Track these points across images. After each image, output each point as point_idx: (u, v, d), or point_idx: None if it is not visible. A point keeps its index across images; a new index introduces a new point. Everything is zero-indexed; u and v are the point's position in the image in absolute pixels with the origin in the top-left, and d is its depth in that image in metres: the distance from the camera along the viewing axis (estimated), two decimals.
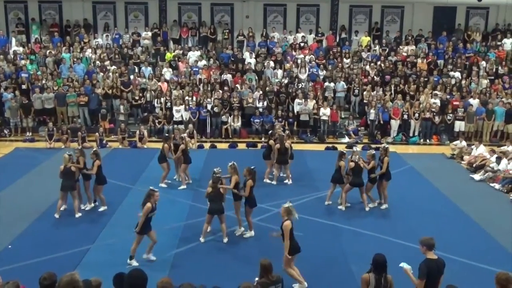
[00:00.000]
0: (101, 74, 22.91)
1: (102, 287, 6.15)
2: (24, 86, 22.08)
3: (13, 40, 25.53)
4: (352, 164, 13.01)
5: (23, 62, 23.54)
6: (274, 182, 15.27)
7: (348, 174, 13.19)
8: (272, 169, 15.57)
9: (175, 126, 17.60)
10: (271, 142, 15.46)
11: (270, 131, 17.14)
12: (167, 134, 16.25)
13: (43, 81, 22.19)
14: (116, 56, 24.41)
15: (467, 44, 25.94)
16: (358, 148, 14.65)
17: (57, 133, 19.83)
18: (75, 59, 23.77)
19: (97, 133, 19.88)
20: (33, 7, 26.54)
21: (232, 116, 21.38)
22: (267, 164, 15.52)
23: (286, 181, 15.45)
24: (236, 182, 11.30)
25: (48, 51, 24.21)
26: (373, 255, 6.95)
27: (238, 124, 21.41)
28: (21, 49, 24.85)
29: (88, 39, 25.50)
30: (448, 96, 22.16)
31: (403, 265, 7.03)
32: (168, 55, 24.88)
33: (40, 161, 17.34)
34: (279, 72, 23.70)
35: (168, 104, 21.69)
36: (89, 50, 24.69)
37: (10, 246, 10.72)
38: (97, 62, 23.94)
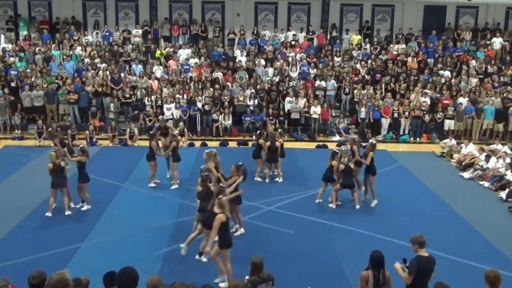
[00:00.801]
0: (92, 71, 22.77)
1: (91, 286, 6.14)
2: (13, 84, 21.92)
3: (2, 37, 25.30)
4: (342, 166, 13.05)
5: (12, 59, 23.35)
6: (267, 180, 15.32)
7: (339, 175, 13.22)
8: (262, 167, 15.59)
9: (161, 117, 17.20)
10: (261, 141, 15.49)
11: (259, 131, 17.12)
12: (151, 132, 16.04)
13: (32, 79, 22.02)
14: (107, 54, 24.29)
15: (457, 43, 26.07)
16: (349, 146, 14.66)
17: (47, 131, 19.69)
18: (65, 57, 23.62)
19: (87, 131, 19.78)
20: (23, 4, 26.33)
21: (223, 114, 21.36)
22: (258, 163, 15.54)
23: (277, 179, 15.46)
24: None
25: (37, 48, 24.03)
26: (371, 252, 7.00)
27: (229, 122, 21.38)
28: (10, 46, 24.62)
29: (77, 37, 25.33)
30: (438, 95, 22.27)
31: (396, 265, 7.12)
32: (158, 53, 24.80)
33: (29, 159, 17.22)
34: (270, 70, 23.70)
35: (159, 102, 21.63)
36: (79, 48, 24.54)
37: None
38: (86, 60, 23.74)
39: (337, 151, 13.85)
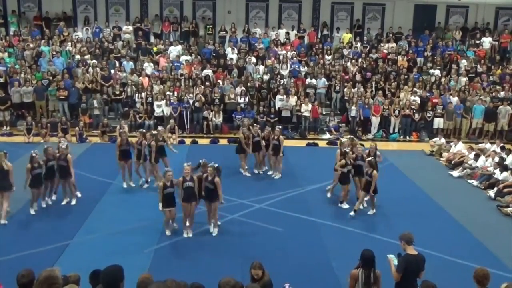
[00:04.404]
0: (82, 68, 22.61)
1: (81, 283, 6.11)
2: (1, 80, 21.74)
3: None
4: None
5: (0, 55, 23.13)
6: (264, 170, 15.83)
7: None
8: (246, 162, 15.82)
9: (158, 127, 16.12)
10: (240, 135, 15.69)
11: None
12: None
13: (22, 75, 21.84)
14: (97, 50, 24.14)
15: (448, 42, 26.14)
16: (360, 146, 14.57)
17: (36, 127, 19.61)
18: (54, 53, 23.44)
19: (77, 128, 19.68)
20: None
21: (213, 112, 21.31)
22: (240, 158, 15.71)
23: (271, 172, 15.77)
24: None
25: (26, 44, 23.83)
26: (362, 251, 7.03)
27: (219, 119, 21.35)
28: None
29: (67, 33, 25.16)
30: (427, 94, 22.38)
31: (389, 256, 7.22)
32: (155, 49, 24.76)
33: (18, 155, 17.03)
34: (261, 68, 23.68)
35: (149, 99, 21.55)
36: (69, 44, 24.37)
37: None
38: (76, 56, 23.57)
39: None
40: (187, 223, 11.22)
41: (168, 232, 11.22)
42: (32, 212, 12.27)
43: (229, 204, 12.98)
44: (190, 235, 11.20)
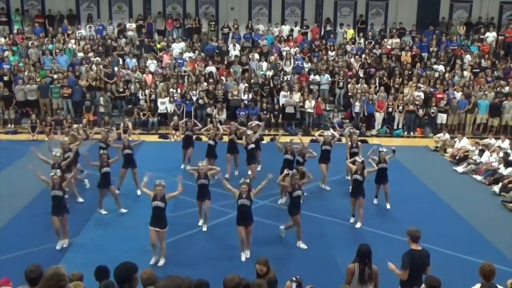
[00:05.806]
0: (85, 65, 22.63)
1: (84, 280, 6.13)
2: (6, 78, 21.79)
3: None
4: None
5: (6, 53, 23.17)
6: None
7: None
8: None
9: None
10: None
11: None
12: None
13: (26, 73, 21.88)
14: (100, 48, 24.16)
15: (452, 37, 26.05)
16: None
17: (40, 125, 19.67)
18: (58, 51, 23.48)
19: (80, 124, 19.68)
20: None
21: (217, 109, 21.31)
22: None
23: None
24: None
25: (30, 42, 23.86)
26: (358, 246, 7.02)
27: (223, 116, 21.34)
28: (2, 40, 24.43)
29: (71, 31, 25.18)
30: (431, 89, 22.31)
31: (389, 263, 7.21)
32: (158, 46, 24.79)
33: (23, 153, 17.10)
34: (264, 64, 23.65)
35: (153, 96, 21.57)
36: (72, 41, 24.39)
37: None
38: (79, 53, 23.58)
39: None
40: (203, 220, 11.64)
41: (152, 260, 9.82)
42: (58, 247, 10.43)
43: (232, 201, 12.99)
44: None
